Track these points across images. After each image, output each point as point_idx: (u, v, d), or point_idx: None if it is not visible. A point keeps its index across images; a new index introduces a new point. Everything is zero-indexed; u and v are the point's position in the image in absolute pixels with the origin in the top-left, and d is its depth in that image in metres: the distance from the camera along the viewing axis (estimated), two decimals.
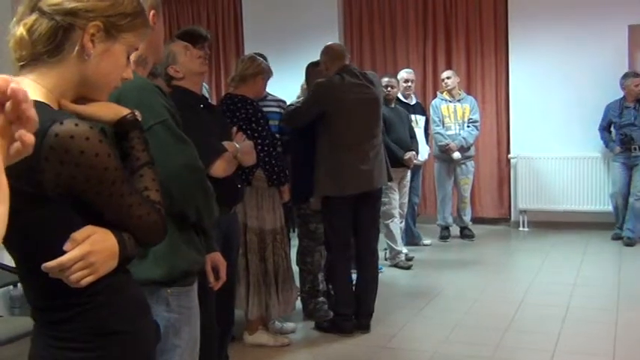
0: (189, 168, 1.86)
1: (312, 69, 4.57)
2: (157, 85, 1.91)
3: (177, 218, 1.86)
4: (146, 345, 1.41)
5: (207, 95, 4.47)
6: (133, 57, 1.86)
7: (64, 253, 1.22)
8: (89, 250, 1.24)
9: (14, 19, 1.29)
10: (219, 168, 2.88)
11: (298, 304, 4.33)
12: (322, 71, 4.29)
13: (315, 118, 4.10)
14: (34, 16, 1.26)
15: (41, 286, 1.29)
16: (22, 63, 1.28)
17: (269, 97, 4.47)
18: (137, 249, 1.35)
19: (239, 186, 3.29)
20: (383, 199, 5.80)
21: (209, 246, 2.16)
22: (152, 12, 1.89)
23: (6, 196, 0.80)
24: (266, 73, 3.96)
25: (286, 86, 4.67)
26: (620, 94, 6.52)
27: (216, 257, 2.28)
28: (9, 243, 1.28)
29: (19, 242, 1.27)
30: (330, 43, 4.32)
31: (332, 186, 4.10)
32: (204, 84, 4.72)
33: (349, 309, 4.25)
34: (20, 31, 1.26)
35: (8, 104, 0.79)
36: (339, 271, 4.26)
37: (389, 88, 5.92)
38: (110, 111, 1.39)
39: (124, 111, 1.41)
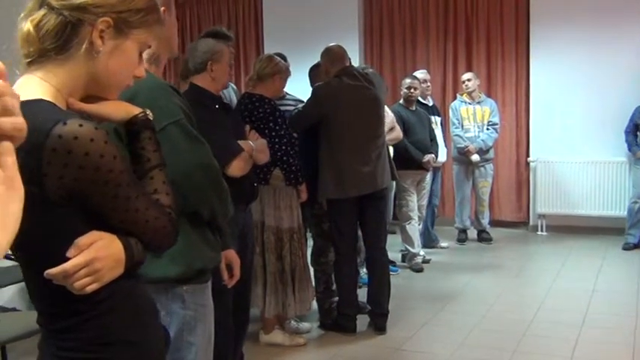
0: (203, 167, 1.86)
1: (314, 71, 4.60)
2: (170, 84, 1.90)
3: (191, 217, 1.85)
4: (152, 351, 1.34)
5: (234, 96, 4.47)
6: (145, 55, 1.86)
7: (67, 259, 1.17)
8: (94, 257, 1.19)
9: (22, 14, 1.24)
10: (237, 167, 2.88)
11: (314, 304, 4.31)
12: (322, 72, 4.31)
13: (316, 122, 4.11)
14: (42, 12, 1.22)
15: (45, 292, 1.23)
16: (29, 60, 1.23)
17: (288, 97, 4.47)
18: (145, 255, 1.29)
19: (255, 184, 3.29)
20: (400, 202, 5.80)
21: (224, 243, 2.15)
22: (162, 8, 1.88)
23: (21, 196, 0.78)
24: (284, 73, 3.95)
25: (306, 86, 4.65)
26: None
27: (231, 255, 2.27)
28: (15, 246, 1.23)
29: (23, 246, 1.17)
30: (330, 45, 4.32)
31: (334, 189, 4.11)
32: (232, 84, 4.73)
33: (352, 309, 4.27)
34: (28, 26, 1.22)
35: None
36: (345, 272, 4.26)
37: (412, 90, 5.88)
38: (121, 110, 1.35)
39: (135, 110, 1.36)
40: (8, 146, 0.76)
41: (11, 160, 0.76)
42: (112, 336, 1.25)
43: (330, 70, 4.22)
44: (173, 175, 1.74)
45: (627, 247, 6.35)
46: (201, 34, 3.83)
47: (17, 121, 0.76)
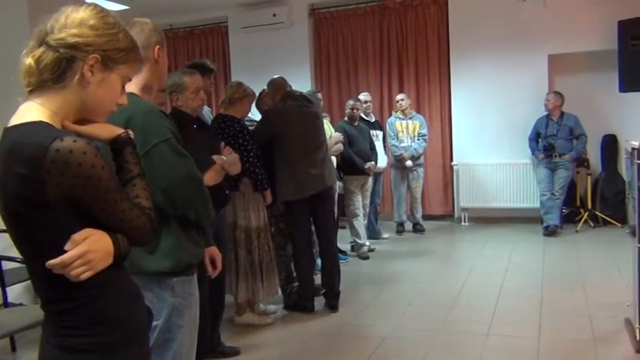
0: (189, 178, 1.86)
1: (258, 99, 4.64)
2: (160, 109, 1.91)
3: (180, 219, 1.86)
4: (138, 328, 1.37)
5: (210, 116, 4.45)
6: (139, 84, 1.86)
7: (65, 252, 1.19)
8: (87, 250, 1.21)
9: (24, 51, 1.26)
10: (209, 178, 2.86)
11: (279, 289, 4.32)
12: (269, 98, 4.39)
13: (269, 138, 4.14)
14: (41, 49, 1.24)
15: (47, 281, 1.24)
16: (30, 88, 1.26)
17: (245, 118, 4.46)
18: (129, 248, 1.30)
19: (227, 192, 3.28)
20: (347, 202, 5.85)
21: (207, 241, 2.15)
22: (157, 47, 1.89)
23: None
24: (251, 97, 3.97)
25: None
26: (542, 112, 6.67)
27: (213, 250, 2.27)
28: (20, 243, 1.26)
29: (28, 242, 1.24)
30: (274, 77, 4.41)
31: (291, 191, 4.14)
32: (207, 107, 4.69)
33: (310, 292, 4.31)
34: (29, 61, 1.24)
35: None
36: (303, 262, 4.30)
37: (354, 110, 5.97)
38: (106, 130, 1.36)
39: (119, 130, 1.37)
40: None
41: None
42: (103, 316, 1.27)
43: (275, 97, 4.30)
44: (164, 184, 1.75)
45: (548, 231, 6.37)
46: (188, 64, 3.83)
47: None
